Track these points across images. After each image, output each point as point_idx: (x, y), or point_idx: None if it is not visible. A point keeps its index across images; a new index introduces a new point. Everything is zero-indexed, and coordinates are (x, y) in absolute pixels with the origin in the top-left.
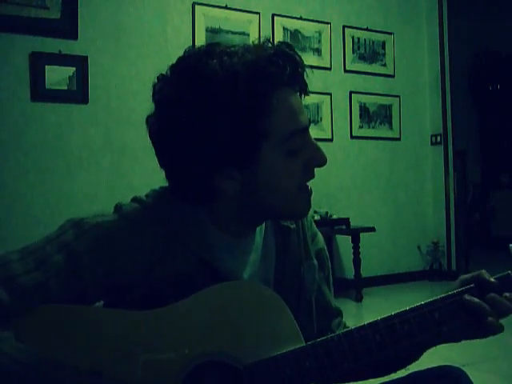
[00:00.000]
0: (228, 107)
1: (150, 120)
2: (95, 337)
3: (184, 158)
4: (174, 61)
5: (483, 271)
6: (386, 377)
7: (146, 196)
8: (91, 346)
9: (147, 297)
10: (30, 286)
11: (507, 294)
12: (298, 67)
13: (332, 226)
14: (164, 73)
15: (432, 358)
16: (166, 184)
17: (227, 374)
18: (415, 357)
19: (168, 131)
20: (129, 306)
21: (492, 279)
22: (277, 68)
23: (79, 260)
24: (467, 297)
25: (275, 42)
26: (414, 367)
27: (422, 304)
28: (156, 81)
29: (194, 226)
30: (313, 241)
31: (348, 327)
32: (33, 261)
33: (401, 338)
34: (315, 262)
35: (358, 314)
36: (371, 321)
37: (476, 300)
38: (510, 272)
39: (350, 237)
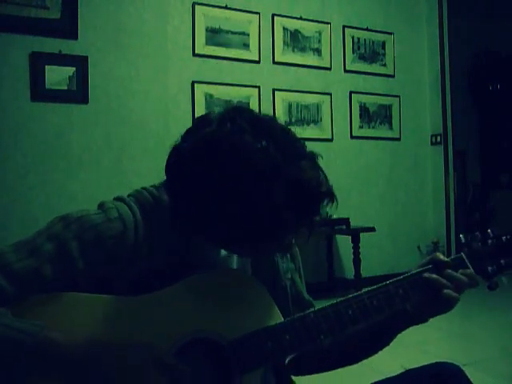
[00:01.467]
0: (260, 203)
1: (173, 184)
2: (87, 321)
3: (205, 224)
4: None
5: (438, 253)
6: (383, 378)
7: (128, 196)
8: (83, 330)
9: (133, 284)
10: (24, 272)
11: (461, 271)
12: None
13: (332, 226)
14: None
15: (431, 359)
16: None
17: (212, 349)
18: (388, 338)
19: (195, 208)
20: (117, 294)
21: (446, 259)
22: (317, 208)
23: (68, 246)
24: (426, 274)
25: (326, 182)
26: (411, 366)
27: (387, 282)
28: (177, 151)
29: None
30: None
31: None
32: (25, 251)
33: (370, 312)
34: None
35: None
36: (342, 298)
37: (434, 276)
38: (462, 253)
39: (350, 237)
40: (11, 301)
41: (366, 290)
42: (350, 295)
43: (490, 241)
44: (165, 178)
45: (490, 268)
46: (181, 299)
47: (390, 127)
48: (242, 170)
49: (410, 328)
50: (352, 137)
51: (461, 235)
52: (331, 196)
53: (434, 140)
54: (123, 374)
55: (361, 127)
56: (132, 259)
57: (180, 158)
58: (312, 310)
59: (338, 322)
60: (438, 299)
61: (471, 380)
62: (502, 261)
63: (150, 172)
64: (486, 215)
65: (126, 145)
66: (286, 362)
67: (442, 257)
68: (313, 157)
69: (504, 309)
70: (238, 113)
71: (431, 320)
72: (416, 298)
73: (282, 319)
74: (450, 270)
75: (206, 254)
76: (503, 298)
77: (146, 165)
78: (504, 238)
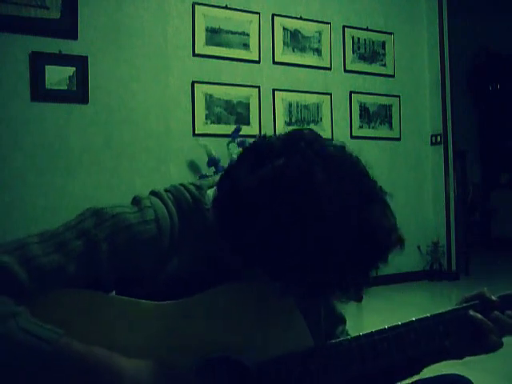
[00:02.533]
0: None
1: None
2: (108, 324)
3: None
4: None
5: (485, 289)
6: None
7: (166, 191)
8: (103, 332)
9: (157, 290)
10: (48, 268)
11: (509, 312)
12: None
13: None
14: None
15: None
16: (171, 183)
17: (237, 370)
18: (420, 368)
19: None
20: (140, 298)
21: (494, 298)
22: (386, 256)
23: (98, 247)
24: (471, 312)
25: (397, 228)
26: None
27: (428, 316)
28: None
29: (219, 243)
30: None
31: (350, 335)
32: (52, 244)
33: (406, 346)
34: None
35: (358, 314)
36: (379, 329)
37: (480, 316)
38: (511, 292)
39: None
40: (28, 295)
41: (406, 322)
42: (387, 326)
43: None
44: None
45: None
46: (206, 310)
47: (390, 127)
48: (311, 210)
49: None
50: (352, 137)
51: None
52: (402, 244)
53: (434, 140)
54: None
55: (361, 127)
56: (161, 265)
57: (242, 187)
58: (348, 337)
59: (373, 353)
60: (481, 341)
61: (472, 381)
62: None
63: (150, 172)
64: (486, 215)
65: (126, 145)
66: None
67: (489, 295)
68: (384, 198)
69: None
70: (306, 143)
71: None
72: (457, 338)
73: (312, 341)
74: (497, 312)
75: (242, 271)
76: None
77: (146, 165)
78: None
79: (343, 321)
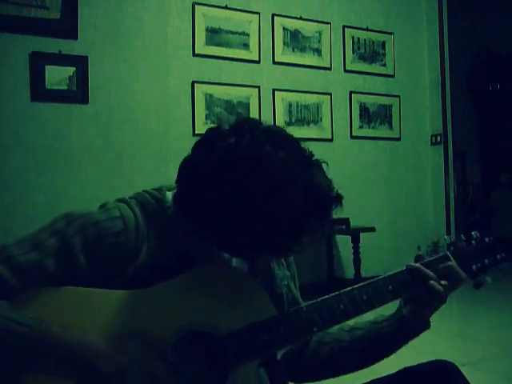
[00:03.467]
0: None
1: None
2: (85, 314)
3: (223, 227)
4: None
5: (420, 252)
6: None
7: (130, 198)
8: (81, 322)
9: (132, 282)
10: (27, 264)
11: (443, 264)
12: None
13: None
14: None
15: (431, 359)
16: (171, 183)
17: (209, 341)
18: (392, 346)
19: (218, 207)
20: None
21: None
22: (329, 211)
23: (70, 241)
24: (409, 264)
25: (334, 187)
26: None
27: (377, 279)
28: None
29: (183, 236)
30: None
31: None
32: (28, 245)
33: (361, 305)
34: (283, 260)
35: None
36: (334, 293)
37: (416, 264)
38: (447, 252)
39: (350, 237)
40: (14, 293)
41: (357, 285)
42: (342, 290)
43: (473, 241)
44: (171, 183)
45: (474, 266)
46: (178, 293)
47: (390, 127)
48: (264, 180)
49: None
50: (352, 137)
51: (445, 236)
52: (340, 200)
53: (434, 140)
54: (122, 363)
55: (361, 127)
56: (132, 258)
57: (200, 170)
58: (304, 304)
59: (330, 314)
60: (426, 293)
61: (468, 379)
62: (486, 260)
63: (150, 172)
64: (486, 215)
65: (126, 145)
66: (279, 357)
67: (426, 256)
68: (320, 164)
69: (504, 309)
70: (252, 125)
71: (431, 320)
72: (403, 292)
73: (276, 312)
74: (429, 259)
75: (205, 257)
76: (503, 297)
77: (146, 165)
78: (487, 239)
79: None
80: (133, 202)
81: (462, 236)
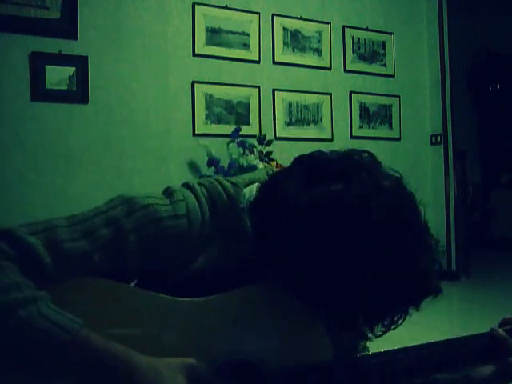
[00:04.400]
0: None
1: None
2: (128, 316)
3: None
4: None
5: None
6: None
7: (200, 185)
8: (122, 324)
9: (184, 283)
10: (74, 254)
11: None
12: None
13: None
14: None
15: None
16: (171, 183)
17: (254, 376)
18: None
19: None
20: (162, 291)
21: None
22: (420, 302)
23: (125, 237)
24: (495, 330)
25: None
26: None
27: (452, 338)
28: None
29: (247, 242)
30: None
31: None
32: (80, 230)
33: (428, 369)
34: None
35: None
36: (401, 347)
37: (503, 333)
38: None
39: None
40: (51, 279)
41: (429, 343)
42: (413, 346)
43: None
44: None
45: None
46: (230, 309)
47: (390, 127)
48: (361, 246)
49: (409, 328)
50: (352, 137)
51: None
52: (438, 293)
53: (434, 140)
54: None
55: (361, 127)
56: (187, 260)
57: (292, 202)
58: (368, 353)
59: (391, 371)
60: (503, 361)
61: None
62: None
63: (150, 172)
64: (486, 215)
65: (126, 145)
66: None
67: None
68: (431, 244)
69: (503, 309)
70: (366, 172)
71: (430, 320)
72: (477, 360)
73: (332, 356)
74: None
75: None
76: (503, 298)
77: (146, 165)
78: None
79: (365, 336)
80: (203, 195)
81: None
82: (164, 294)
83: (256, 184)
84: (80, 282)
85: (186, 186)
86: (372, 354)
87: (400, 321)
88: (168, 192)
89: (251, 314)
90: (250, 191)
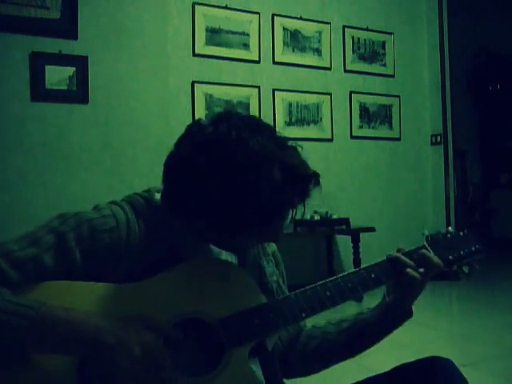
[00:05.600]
0: (254, 191)
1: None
2: (85, 304)
3: (202, 213)
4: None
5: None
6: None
7: (120, 200)
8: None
9: (125, 278)
10: (25, 259)
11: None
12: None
13: (332, 226)
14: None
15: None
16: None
17: (203, 328)
18: (377, 335)
19: (197, 191)
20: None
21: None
22: (308, 189)
23: (66, 237)
24: (388, 254)
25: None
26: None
27: (360, 268)
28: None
29: (173, 232)
30: (268, 244)
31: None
32: (26, 241)
33: (346, 292)
34: (272, 258)
35: None
36: (320, 282)
37: (395, 254)
38: (424, 242)
39: (350, 237)
40: (13, 285)
41: (341, 274)
42: (327, 279)
43: (449, 235)
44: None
45: (450, 257)
46: (170, 284)
47: (390, 127)
48: (244, 161)
49: (409, 328)
50: (352, 137)
51: (425, 231)
52: (317, 177)
53: (434, 140)
54: (123, 344)
55: (361, 127)
56: (125, 253)
57: (182, 161)
58: (292, 292)
59: (317, 301)
60: (405, 281)
61: (468, 379)
62: (461, 251)
63: (150, 172)
64: (486, 215)
65: (126, 145)
66: (270, 348)
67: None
68: (295, 146)
69: (503, 309)
70: (229, 115)
71: (430, 320)
72: (385, 279)
73: (265, 300)
74: (408, 250)
75: (195, 253)
76: (504, 298)
77: (146, 165)
78: (461, 233)
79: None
80: (123, 203)
81: (440, 231)
82: (112, 283)
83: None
84: (38, 288)
85: (109, 202)
86: (298, 291)
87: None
88: (94, 206)
89: (190, 281)
90: (160, 194)
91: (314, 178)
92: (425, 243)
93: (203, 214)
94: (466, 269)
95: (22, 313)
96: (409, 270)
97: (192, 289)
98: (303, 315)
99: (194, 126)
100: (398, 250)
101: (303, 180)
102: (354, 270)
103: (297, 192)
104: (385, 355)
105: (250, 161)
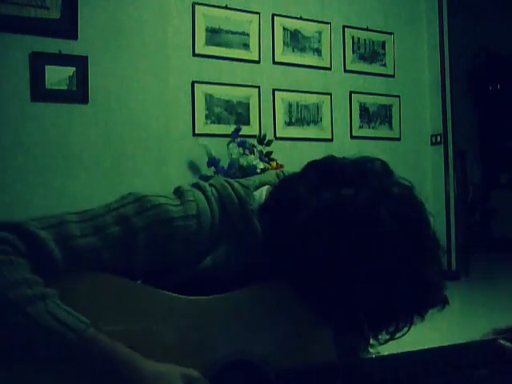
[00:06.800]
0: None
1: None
2: (134, 313)
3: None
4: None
5: None
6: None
7: (210, 186)
8: (127, 318)
9: (188, 283)
10: (84, 250)
11: None
12: None
13: None
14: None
15: None
16: (171, 183)
17: (256, 375)
18: None
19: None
20: (167, 290)
21: None
22: (426, 311)
23: (135, 236)
24: (501, 340)
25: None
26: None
27: (457, 344)
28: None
29: (255, 247)
30: None
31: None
32: (91, 226)
33: (432, 374)
34: None
35: None
36: (405, 351)
37: (509, 344)
38: None
39: None
40: (58, 272)
41: (433, 347)
42: (415, 350)
43: None
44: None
45: None
46: (236, 308)
47: (390, 127)
48: (370, 251)
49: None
50: (352, 137)
51: None
52: (444, 304)
53: (434, 140)
54: None
55: (361, 127)
56: (195, 261)
57: (302, 206)
58: (371, 356)
59: (395, 376)
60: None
61: None
62: None
63: (150, 172)
64: (486, 215)
65: (126, 145)
66: None
67: None
68: (438, 254)
69: (505, 309)
70: (377, 178)
71: (431, 320)
72: (486, 368)
73: (335, 357)
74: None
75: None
76: (504, 298)
77: (146, 165)
78: None
79: (368, 341)
80: (213, 197)
81: None
82: (169, 292)
83: (266, 187)
84: (87, 278)
85: (197, 186)
86: (375, 356)
87: (405, 329)
88: (179, 192)
89: (255, 313)
90: (260, 194)
91: (441, 303)
92: None
93: (294, 275)
94: None
95: (62, 335)
96: None
97: (259, 320)
98: None
99: (331, 169)
100: (509, 328)
101: (427, 305)
102: (450, 344)
103: (415, 308)
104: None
105: (378, 255)
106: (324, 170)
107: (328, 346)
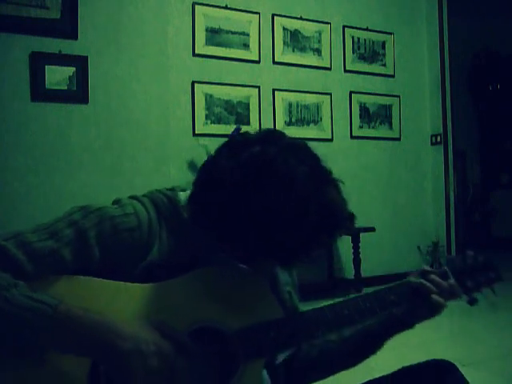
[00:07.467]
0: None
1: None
2: (99, 306)
3: (233, 235)
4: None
5: (425, 266)
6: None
7: (142, 196)
8: (98, 309)
9: (144, 276)
10: (43, 251)
11: (450, 281)
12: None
13: None
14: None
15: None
16: (171, 183)
17: (219, 338)
18: (379, 343)
19: (227, 212)
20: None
21: (433, 269)
22: (340, 230)
23: (86, 233)
24: (412, 278)
25: (347, 206)
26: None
27: (379, 289)
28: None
29: (195, 236)
30: None
31: None
32: (45, 233)
33: (365, 313)
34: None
35: None
36: (339, 301)
37: (420, 280)
38: (445, 267)
39: (350, 237)
40: (29, 278)
41: (360, 294)
42: (346, 298)
43: (468, 260)
44: (187, 186)
45: (469, 283)
46: (189, 289)
47: (390, 127)
48: (284, 191)
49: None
50: (352, 137)
51: (447, 255)
52: (352, 219)
53: (434, 140)
54: (141, 352)
55: (361, 127)
56: (144, 254)
57: (220, 174)
58: (311, 309)
59: (335, 320)
60: (426, 305)
61: (468, 379)
62: (481, 278)
63: (150, 172)
64: (486, 215)
65: (126, 145)
66: (280, 360)
67: (428, 268)
68: (337, 182)
69: (505, 309)
70: (278, 137)
71: (432, 320)
72: (406, 305)
73: (282, 313)
74: (434, 276)
75: (215, 260)
76: (504, 297)
77: (146, 165)
78: (480, 258)
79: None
80: (146, 200)
81: (459, 255)
82: (129, 283)
83: (190, 189)
84: (53, 280)
85: (131, 196)
86: (314, 308)
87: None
88: (115, 200)
89: (208, 289)
90: (185, 194)
91: (348, 220)
92: (447, 269)
93: (226, 234)
94: (480, 296)
95: (38, 310)
96: (434, 296)
97: (210, 296)
98: (319, 333)
99: (240, 141)
100: (419, 271)
101: (337, 222)
102: (373, 291)
103: (328, 230)
104: (385, 355)
105: (292, 189)
106: (233, 143)
107: (274, 305)
